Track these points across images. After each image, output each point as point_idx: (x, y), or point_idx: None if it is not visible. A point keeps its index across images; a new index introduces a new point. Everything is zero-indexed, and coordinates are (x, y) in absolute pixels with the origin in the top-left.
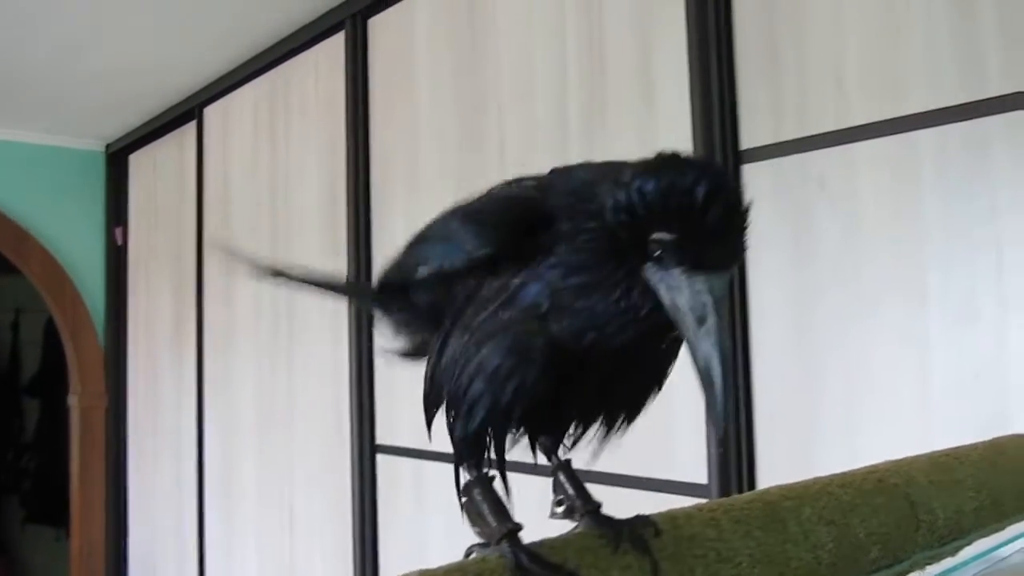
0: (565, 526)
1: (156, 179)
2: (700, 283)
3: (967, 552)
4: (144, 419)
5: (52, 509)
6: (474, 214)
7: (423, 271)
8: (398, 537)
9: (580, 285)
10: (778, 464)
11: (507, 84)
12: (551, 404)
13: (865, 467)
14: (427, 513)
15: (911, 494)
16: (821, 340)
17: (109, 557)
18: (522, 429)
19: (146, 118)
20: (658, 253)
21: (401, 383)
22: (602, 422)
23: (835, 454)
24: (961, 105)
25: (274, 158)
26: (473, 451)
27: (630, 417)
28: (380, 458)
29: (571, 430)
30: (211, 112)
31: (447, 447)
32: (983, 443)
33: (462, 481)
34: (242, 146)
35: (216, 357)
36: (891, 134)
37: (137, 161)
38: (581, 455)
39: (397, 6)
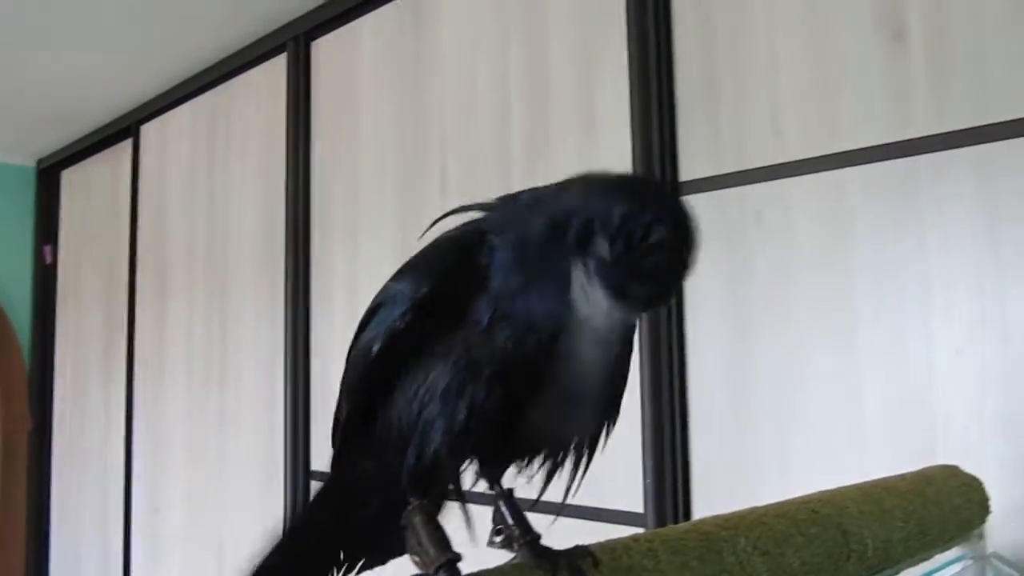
0: (503, 555)
1: (89, 197)
2: (615, 309)
3: None
4: (69, 444)
5: None
6: (408, 267)
7: (375, 347)
8: None
9: (520, 285)
10: (714, 493)
11: (450, 113)
12: (502, 429)
13: (800, 497)
14: None
15: (843, 523)
16: (756, 370)
17: None
18: (472, 455)
19: (80, 134)
20: (592, 263)
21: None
22: (551, 452)
23: (770, 483)
24: (890, 144)
25: (212, 180)
26: (423, 479)
27: (582, 449)
28: (315, 485)
29: (520, 459)
30: (148, 130)
31: None
32: (911, 473)
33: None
34: (179, 166)
35: (146, 380)
36: (824, 170)
37: (69, 178)
38: (524, 485)
39: (341, 30)
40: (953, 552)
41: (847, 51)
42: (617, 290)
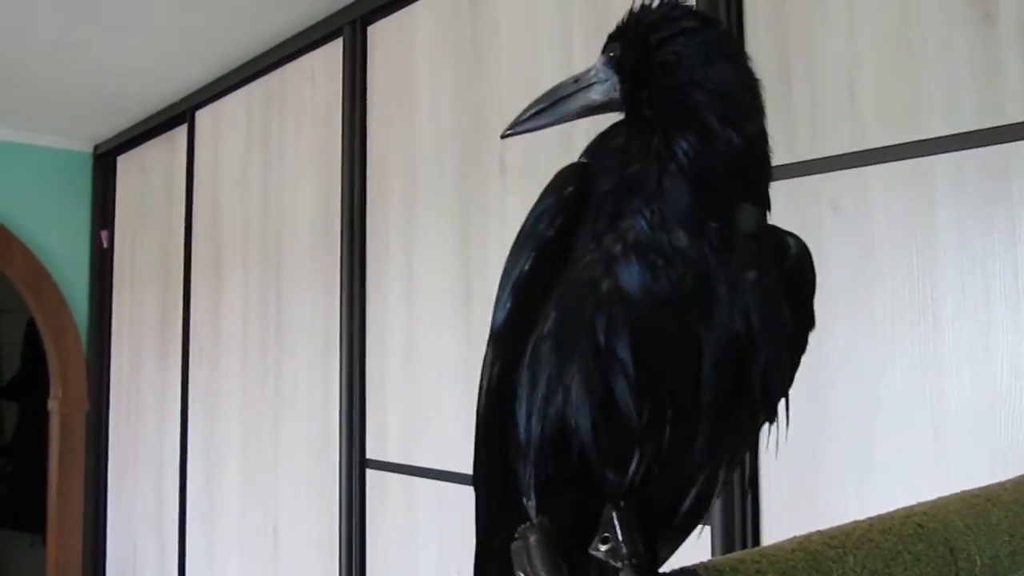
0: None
1: (144, 182)
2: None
3: None
4: (126, 427)
5: (28, 515)
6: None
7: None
8: (387, 555)
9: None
10: (784, 493)
11: (508, 95)
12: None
13: (903, 510)
14: (417, 531)
15: (950, 539)
16: (832, 366)
17: (86, 568)
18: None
19: (136, 120)
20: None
21: (393, 396)
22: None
23: (845, 484)
24: (978, 131)
25: (267, 165)
26: (540, 469)
27: (721, 463)
28: (370, 473)
29: (642, 466)
30: (203, 116)
31: (438, 463)
32: (1011, 481)
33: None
34: (234, 152)
35: (202, 366)
36: (907, 158)
37: (125, 163)
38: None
39: (397, 14)
40: None
41: (932, 32)
42: None
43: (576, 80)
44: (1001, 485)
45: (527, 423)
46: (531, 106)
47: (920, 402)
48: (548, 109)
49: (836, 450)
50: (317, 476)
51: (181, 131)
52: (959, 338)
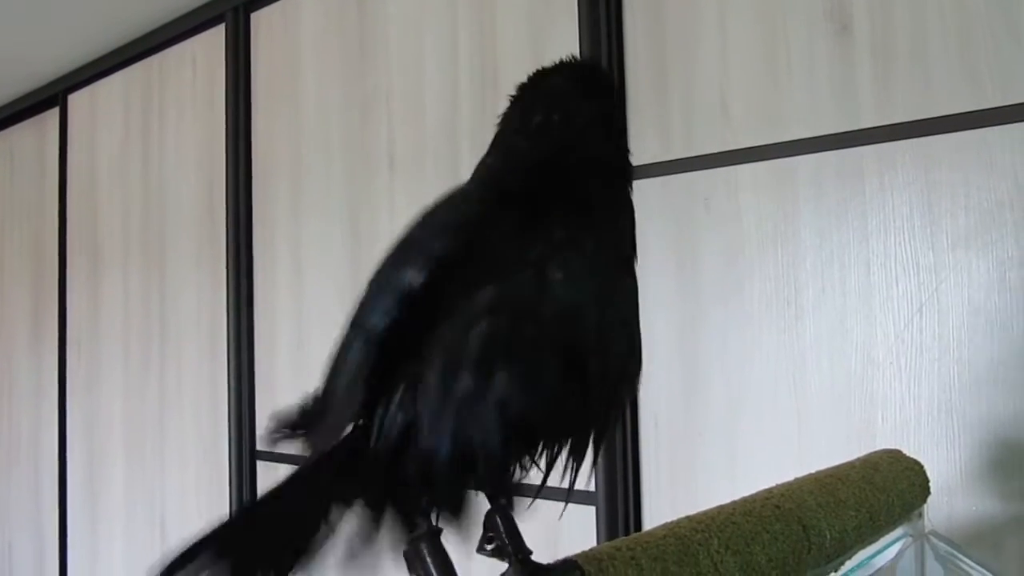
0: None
1: (12, 168)
2: None
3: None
4: None
5: None
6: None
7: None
8: None
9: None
10: (663, 468)
11: (397, 90)
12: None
13: (762, 492)
14: None
15: (803, 518)
16: (704, 352)
17: None
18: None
19: (2, 101)
20: None
21: (283, 387)
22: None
23: (716, 457)
24: (835, 135)
25: (147, 154)
26: (453, 482)
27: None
28: (260, 465)
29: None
30: (76, 99)
31: None
32: (860, 460)
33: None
34: (111, 139)
35: (80, 361)
36: (772, 158)
37: None
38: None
39: (283, 1)
40: (895, 532)
41: (795, 43)
42: None
43: None
44: (850, 463)
45: (435, 441)
46: None
47: (785, 387)
48: None
49: (710, 433)
50: (206, 469)
51: (52, 114)
52: (819, 327)
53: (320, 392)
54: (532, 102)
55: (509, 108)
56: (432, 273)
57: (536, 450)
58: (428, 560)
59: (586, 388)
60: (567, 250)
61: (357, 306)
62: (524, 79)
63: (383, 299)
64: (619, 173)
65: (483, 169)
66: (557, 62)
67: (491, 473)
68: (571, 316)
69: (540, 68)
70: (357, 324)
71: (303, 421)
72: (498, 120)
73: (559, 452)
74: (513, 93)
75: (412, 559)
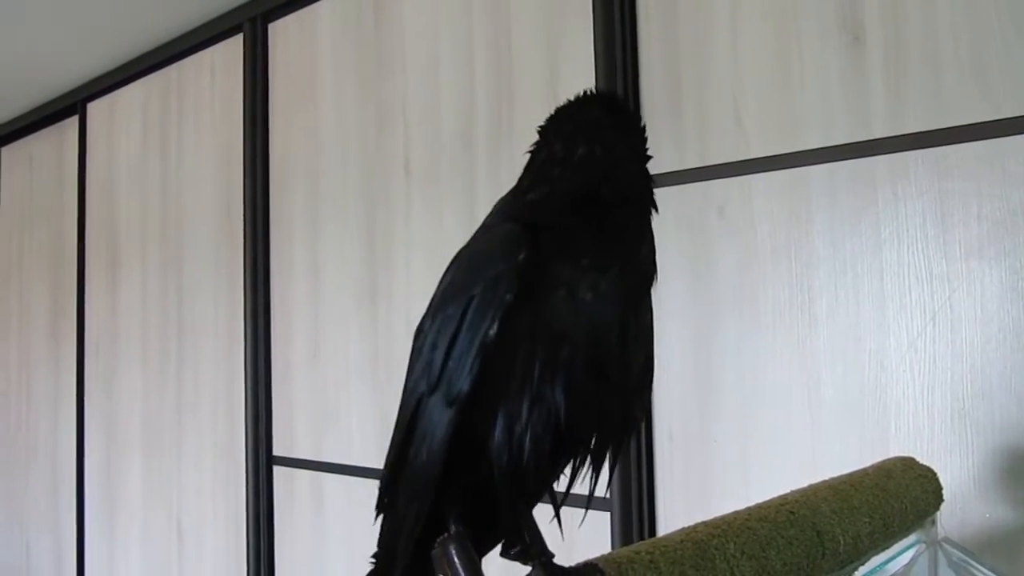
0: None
1: (32, 175)
2: None
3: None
4: (15, 434)
5: None
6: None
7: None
8: (295, 550)
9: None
10: (677, 475)
11: (413, 97)
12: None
13: (777, 498)
14: (325, 526)
15: (817, 523)
16: (719, 360)
17: None
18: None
19: (22, 110)
20: None
21: (299, 392)
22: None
23: (731, 465)
24: (848, 144)
25: (165, 161)
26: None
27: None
28: (277, 470)
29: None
30: (95, 108)
31: (345, 459)
32: (873, 467)
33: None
34: (130, 146)
35: (99, 362)
36: (785, 167)
37: (10, 154)
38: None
39: (300, 12)
40: (909, 539)
41: (809, 54)
42: None
43: None
44: (864, 471)
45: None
46: None
47: (798, 395)
48: None
49: (724, 440)
50: (223, 474)
51: (72, 123)
52: (832, 335)
53: (398, 458)
54: (574, 134)
55: (546, 137)
56: (502, 323)
57: (568, 459)
58: (456, 562)
59: (607, 398)
60: (594, 273)
61: (425, 361)
62: (554, 110)
63: (465, 360)
64: (647, 203)
65: (521, 203)
66: (587, 93)
67: (538, 481)
68: (597, 331)
69: (574, 99)
70: (436, 387)
71: (387, 492)
72: (533, 148)
73: (583, 461)
74: (544, 123)
75: (440, 561)
